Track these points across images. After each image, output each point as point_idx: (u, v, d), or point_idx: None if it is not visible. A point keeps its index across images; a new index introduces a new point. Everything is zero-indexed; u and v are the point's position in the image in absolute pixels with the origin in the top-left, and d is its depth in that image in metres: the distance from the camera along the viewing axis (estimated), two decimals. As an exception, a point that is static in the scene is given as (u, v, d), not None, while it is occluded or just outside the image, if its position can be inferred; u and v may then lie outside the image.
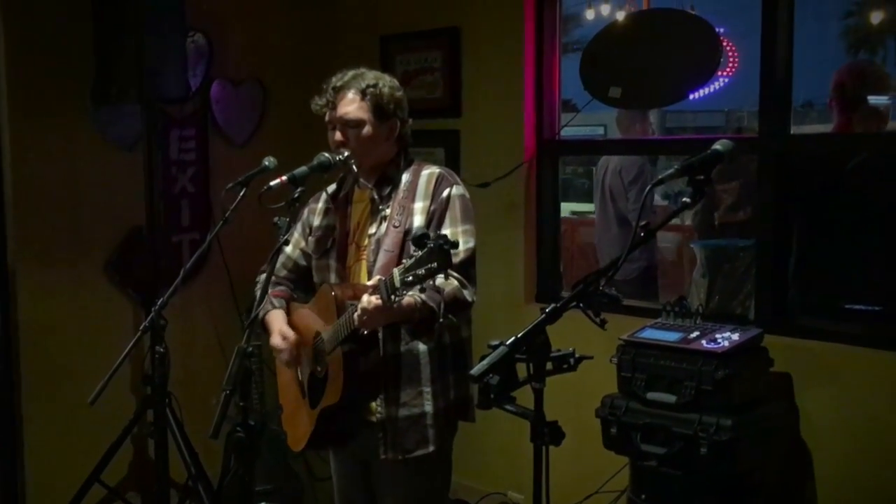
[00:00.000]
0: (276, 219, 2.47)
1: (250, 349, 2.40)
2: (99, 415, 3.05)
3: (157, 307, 2.86)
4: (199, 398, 3.94)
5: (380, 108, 2.64)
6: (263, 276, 2.89)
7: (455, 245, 2.22)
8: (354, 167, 2.64)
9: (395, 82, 2.73)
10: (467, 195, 2.70)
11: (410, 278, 2.22)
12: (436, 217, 2.62)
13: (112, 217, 4.12)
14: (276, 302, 2.86)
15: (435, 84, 4.27)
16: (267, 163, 2.70)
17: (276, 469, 4.07)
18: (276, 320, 2.81)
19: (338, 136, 2.63)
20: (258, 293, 2.86)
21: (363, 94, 2.63)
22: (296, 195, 2.50)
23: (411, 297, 2.40)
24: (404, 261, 2.27)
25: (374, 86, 2.65)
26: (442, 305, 2.47)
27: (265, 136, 4.55)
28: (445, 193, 2.65)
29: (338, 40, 4.71)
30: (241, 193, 2.61)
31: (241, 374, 2.38)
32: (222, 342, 4.19)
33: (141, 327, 2.87)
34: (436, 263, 2.19)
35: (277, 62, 4.61)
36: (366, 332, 2.51)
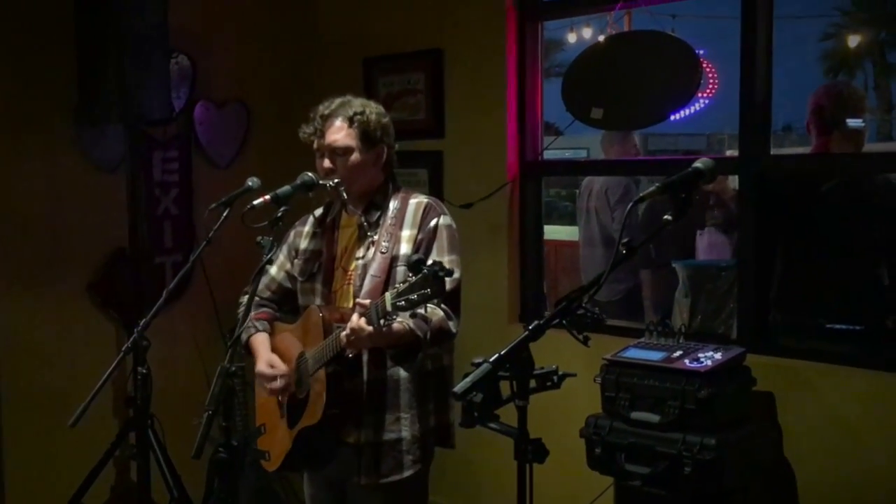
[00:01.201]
0: (259, 238, 2.47)
1: (233, 369, 2.40)
2: (80, 437, 3.03)
3: (139, 328, 2.84)
4: (182, 420, 3.88)
5: (367, 135, 2.67)
6: (246, 297, 2.90)
7: (450, 273, 2.24)
8: (344, 194, 2.66)
9: (381, 108, 2.77)
10: (454, 225, 2.73)
11: (402, 303, 2.24)
12: (423, 246, 2.65)
13: (94, 238, 4.10)
14: (259, 325, 2.86)
15: (418, 106, 4.29)
16: (251, 183, 2.71)
17: (258, 491, 4.05)
18: (262, 346, 2.80)
19: (327, 163, 2.66)
20: (241, 314, 2.87)
21: (351, 121, 2.66)
22: (279, 214, 2.52)
23: (400, 323, 2.43)
24: (397, 286, 2.29)
25: (362, 113, 2.68)
26: (428, 334, 2.50)
27: (249, 158, 4.56)
28: (433, 223, 2.68)
29: (321, 62, 4.73)
30: (225, 214, 2.61)
31: (223, 394, 2.38)
32: (206, 363, 4.17)
33: (123, 348, 2.85)
34: (429, 290, 2.20)
35: (261, 84, 4.62)
36: (350, 355, 2.52)
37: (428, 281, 2.20)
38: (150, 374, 3.50)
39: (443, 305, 2.56)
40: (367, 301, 2.38)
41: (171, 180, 4.37)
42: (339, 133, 2.65)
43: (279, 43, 4.68)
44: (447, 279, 2.23)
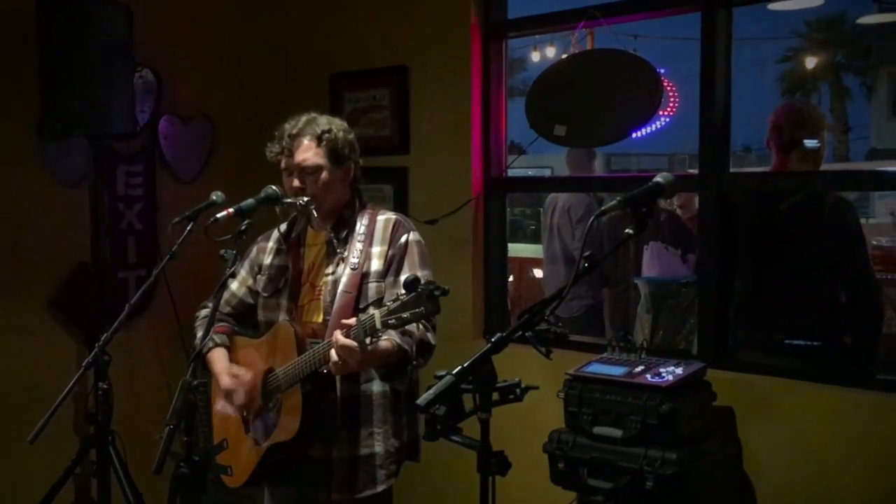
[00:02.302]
0: (222, 251, 2.47)
1: (195, 383, 2.39)
2: (40, 454, 2.99)
3: (100, 343, 2.82)
4: (143, 436, 3.86)
5: (336, 153, 2.71)
6: (205, 311, 2.89)
7: (446, 292, 2.25)
8: (315, 212, 2.68)
9: (346, 125, 2.80)
10: (423, 241, 2.76)
11: (393, 321, 2.25)
12: (395, 262, 2.68)
13: (56, 253, 4.06)
14: (217, 338, 2.85)
15: (383, 122, 4.31)
16: (215, 197, 2.71)
17: (221, 508, 4.01)
18: (221, 361, 2.79)
19: (296, 182, 2.68)
20: (199, 328, 2.86)
21: (319, 140, 2.68)
22: (243, 227, 2.53)
23: (387, 340, 2.44)
24: (387, 304, 2.29)
25: (329, 131, 2.71)
26: (414, 348, 2.53)
27: (214, 173, 4.54)
28: (403, 239, 2.71)
29: (287, 78, 4.74)
30: (188, 228, 2.61)
31: (185, 409, 2.37)
32: (168, 378, 4.14)
33: (84, 363, 2.83)
34: (423, 308, 2.21)
35: (227, 99, 4.61)
36: (326, 372, 2.52)
37: (422, 300, 2.21)
38: (111, 389, 3.48)
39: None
40: (353, 320, 2.38)
41: (135, 195, 4.34)
42: (308, 152, 2.67)
43: (245, 58, 4.68)
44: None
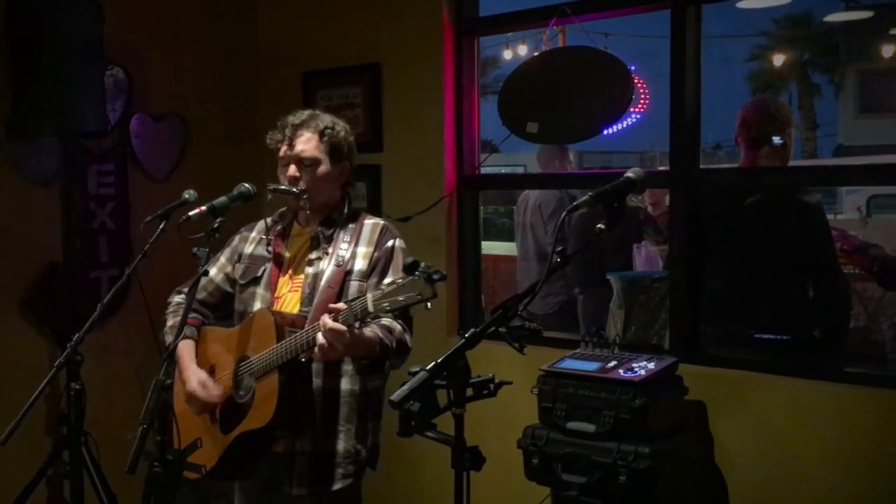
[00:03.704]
0: (195, 249, 2.47)
1: (168, 382, 2.38)
2: (12, 456, 2.97)
3: (72, 343, 2.81)
4: (117, 436, 3.85)
5: (335, 149, 2.74)
6: (178, 297, 2.89)
7: (444, 277, 2.26)
8: (306, 203, 2.70)
9: (349, 127, 2.84)
10: (407, 249, 2.79)
11: (386, 304, 2.25)
12: (380, 265, 2.71)
13: (27, 253, 4.03)
14: (186, 330, 2.82)
15: (356, 119, 4.31)
16: (187, 195, 2.70)
17: (196, 509, 4.00)
18: (187, 355, 2.78)
19: (292, 170, 2.70)
20: (170, 315, 2.85)
21: (321, 134, 2.72)
22: (215, 225, 2.52)
23: (371, 331, 2.45)
24: (381, 287, 2.31)
25: (332, 128, 2.75)
26: (394, 343, 2.56)
27: (186, 172, 4.52)
28: (390, 244, 2.74)
29: (260, 75, 4.73)
30: (161, 227, 2.60)
31: (158, 408, 2.36)
32: (142, 378, 4.12)
33: (56, 363, 2.81)
34: (419, 293, 2.22)
35: (199, 97, 4.59)
36: (304, 360, 2.53)
37: (418, 284, 2.22)
38: (83, 390, 3.46)
39: (399, 321, 2.61)
40: (342, 304, 2.40)
41: (106, 194, 4.31)
42: (309, 144, 2.70)
43: (217, 56, 4.66)
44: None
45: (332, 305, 2.43)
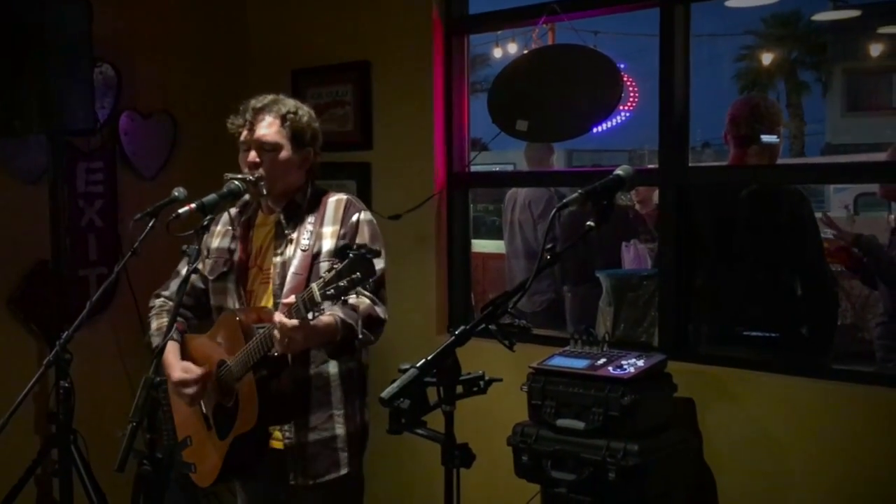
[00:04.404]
0: (184, 247, 2.46)
1: (158, 380, 2.37)
2: (0, 454, 2.97)
3: (61, 341, 2.80)
4: (106, 435, 3.85)
5: (297, 135, 2.68)
6: (159, 300, 2.86)
7: (378, 254, 2.25)
8: (264, 190, 2.64)
9: (313, 113, 2.78)
10: (375, 221, 2.74)
11: (331, 291, 2.23)
12: (346, 241, 2.64)
13: (15, 251, 4.02)
14: (172, 334, 2.81)
15: (346, 117, 4.31)
16: (177, 193, 2.68)
17: (185, 507, 3.99)
18: (171, 353, 2.74)
19: (252, 156, 2.65)
20: (153, 318, 2.83)
21: (283, 119, 2.66)
22: (204, 223, 2.50)
23: (330, 316, 2.42)
24: (322, 275, 2.28)
25: (294, 113, 2.68)
26: (359, 322, 2.49)
27: (175, 169, 4.51)
28: (354, 218, 2.68)
29: (249, 73, 4.72)
30: (150, 224, 2.58)
31: (148, 406, 2.35)
32: (131, 376, 4.11)
33: (45, 361, 2.80)
34: (359, 273, 2.20)
35: (188, 95, 4.58)
36: (276, 354, 2.49)
37: (356, 265, 2.20)
38: (72, 388, 3.43)
39: (367, 293, 2.56)
40: (292, 298, 2.35)
41: (95, 192, 4.30)
42: (270, 129, 2.65)
43: (207, 53, 4.65)
44: (376, 260, 2.23)
45: (283, 302, 2.40)
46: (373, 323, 2.57)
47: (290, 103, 2.71)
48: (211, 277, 2.81)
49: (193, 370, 2.67)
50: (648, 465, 2.94)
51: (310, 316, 2.30)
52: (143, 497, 3.01)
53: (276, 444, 2.65)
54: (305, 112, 2.73)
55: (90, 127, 3.86)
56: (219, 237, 2.84)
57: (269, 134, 2.64)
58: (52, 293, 3.88)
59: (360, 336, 2.51)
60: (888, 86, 20.50)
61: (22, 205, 4.00)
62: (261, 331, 2.48)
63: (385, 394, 1.95)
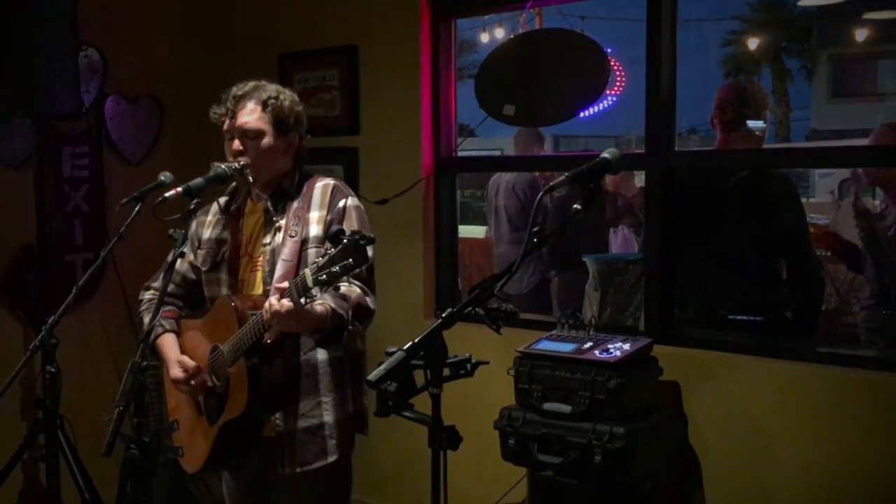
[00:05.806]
0: (171, 231, 2.44)
1: (144, 364, 2.36)
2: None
3: (47, 326, 2.79)
4: (93, 420, 3.84)
5: (280, 120, 2.65)
6: (149, 294, 2.85)
7: (372, 240, 2.24)
8: (250, 178, 2.63)
9: (296, 97, 2.75)
10: (362, 207, 2.73)
11: (324, 277, 2.22)
12: (333, 226, 2.62)
13: (0, 237, 4.00)
14: (166, 324, 2.80)
15: (333, 102, 4.30)
16: (163, 177, 2.67)
17: (173, 492, 4.00)
18: (170, 348, 2.74)
19: (236, 144, 2.63)
20: (145, 312, 2.82)
21: (264, 105, 2.64)
22: (191, 207, 2.48)
23: (321, 304, 2.41)
24: (316, 260, 2.27)
25: (276, 98, 2.66)
26: (350, 312, 2.48)
27: (161, 154, 4.50)
28: (342, 204, 2.67)
29: (235, 57, 4.70)
30: (136, 209, 2.57)
31: (135, 390, 2.34)
32: (118, 361, 4.11)
33: (30, 347, 2.80)
34: (351, 260, 2.19)
35: (174, 79, 4.56)
36: (269, 341, 2.49)
37: (349, 251, 2.18)
38: (59, 373, 3.44)
39: (358, 283, 2.56)
40: (286, 283, 2.34)
41: (81, 176, 4.28)
42: (252, 116, 2.63)
43: (192, 37, 4.63)
44: (369, 248, 2.23)
45: (277, 286, 2.38)
46: (363, 313, 2.56)
47: (270, 88, 2.69)
48: (204, 268, 2.79)
49: (188, 365, 2.67)
50: (634, 448, 2.95)
51: (302, 301, 2.30)
52: (130, 481, 3.00)
53: (267, 433, 2.64)
54: (287, 96, 2.71)
55: (75, 111, 3.84)
56: (210, 227, 2.83)
57: (251, 121, 2.62)
58: (38, 278, 3.87)
59: (350, 326, 2.51)
60: (874, 72, 20.55)
61: (7, 190, 3.99)
62: (254, 317, 2.48)
63: (372, 376, 1.95)
